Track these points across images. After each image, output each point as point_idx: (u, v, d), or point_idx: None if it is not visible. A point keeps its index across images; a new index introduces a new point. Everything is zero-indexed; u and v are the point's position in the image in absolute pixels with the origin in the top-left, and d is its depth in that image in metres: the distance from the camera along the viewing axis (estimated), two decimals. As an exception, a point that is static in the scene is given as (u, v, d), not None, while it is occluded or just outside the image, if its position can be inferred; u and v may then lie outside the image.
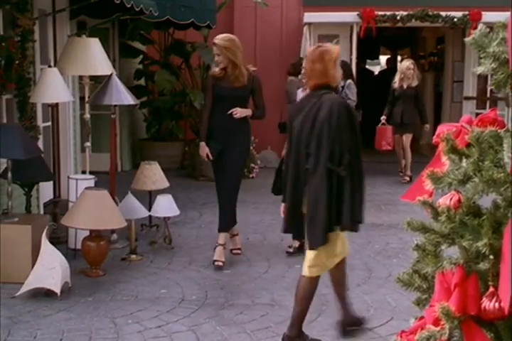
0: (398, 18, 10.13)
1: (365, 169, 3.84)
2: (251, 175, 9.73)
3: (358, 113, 9.87)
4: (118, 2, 5.72)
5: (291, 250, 5.76)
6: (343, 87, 9.85)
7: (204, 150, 5.44)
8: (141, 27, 9.24)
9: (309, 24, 10.45)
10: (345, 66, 10.07)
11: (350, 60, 10.71)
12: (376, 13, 10.15)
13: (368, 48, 13.76)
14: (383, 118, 9.48)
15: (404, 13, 10.08)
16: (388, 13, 10.17)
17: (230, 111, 5.32)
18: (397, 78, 9.41)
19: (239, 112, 5.35)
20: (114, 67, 9.30)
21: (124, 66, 9.94)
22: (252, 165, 9.83)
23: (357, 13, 10.19)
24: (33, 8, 6.29)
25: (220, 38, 5.30)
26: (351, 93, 9.85)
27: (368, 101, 11.03)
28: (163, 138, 10.33)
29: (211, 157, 5.43)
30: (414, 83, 9.30)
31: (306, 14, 10.46)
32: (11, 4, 5.75)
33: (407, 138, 9.42)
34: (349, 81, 9.77)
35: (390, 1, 10.28)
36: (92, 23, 7.89)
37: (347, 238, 4.00)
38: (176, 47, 9.62)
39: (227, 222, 5.52)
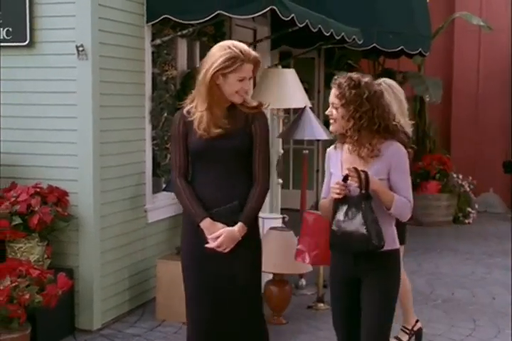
0: None
1: None
2: (467, 221, 9.32)
3: None
4: (315, 31, 5.83)
5: None
6: None
7: (213, 228, 3.30)
8: (348, 56, 9.34)
9: (543, 48, 9.86)
10: None
11: None
12: None
13: None
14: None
15: None
16: None
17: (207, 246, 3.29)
18: None
19: (218, 244, 3.28)
20: (318, 98, 9.58)
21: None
22: (469, 209, 9.41)
23: None
24: (231, 39, 6.63)
25: (248, 48, 3.36)
26: None
27: None
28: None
29: (229, 248, 3.31)
30: None
31: (539, 37, 9.90)
32: (208, 36, 6.12)
33: None
34: None
35: None
36: (298, 53, 8.13)
37: None
38: (385, 77, 9.55)
39: None
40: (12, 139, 4.97)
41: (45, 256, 4.69)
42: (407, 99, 10.19)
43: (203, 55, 6.27)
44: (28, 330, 4.20)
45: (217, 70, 3.23)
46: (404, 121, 4.55)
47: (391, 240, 3.25)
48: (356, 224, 3.14)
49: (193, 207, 3.32)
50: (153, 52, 5.46)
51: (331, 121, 3.29)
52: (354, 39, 6.88)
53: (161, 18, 5.33)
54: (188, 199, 3.34)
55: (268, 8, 5.11)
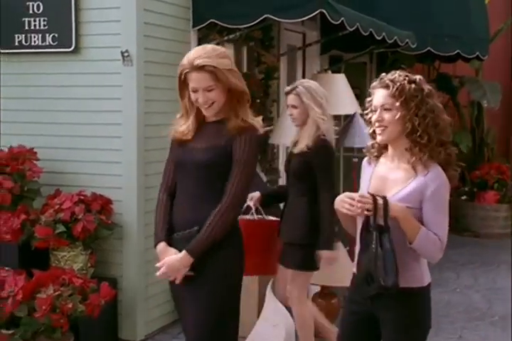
0: None
1: None
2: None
3: None
4: (366, 34, 5.79)
5: None
6: None
7: (164, 254, 3.04)
8: (401, 60, 9.24)
9: None
10: None
11: None
12: None
13: None
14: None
15: None
16: None
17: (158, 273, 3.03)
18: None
19: (160, 274, 3.01)
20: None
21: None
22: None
23: None
24: (280, 43, 6.64)
25: (202, 53, 2.91)
26: None
27: None
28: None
29: (178, 279, 2.98)
30: (303, 142, 4.23)
31: None
32: (256, 40, 6.13)
33: (292, 282, 4.33)
34: None
35: None
36: (349, 58, 8.08)
37: None
38: (440, 82, 9.40)
39: None
40: (56, 146, 5.05)
41: (89, 264, 4.74)
42: (464, 105, 10.08)
43: (250, 60, 6.36)
44: (70, 340, 4.25)
45: (178, 77, 2.99)
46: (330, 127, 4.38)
47: (418, 276, 2.77)
48: (367, 259, 2.69)
49: (157, 227, 3.09)
50: (199, 58, 5.48)
51: (379, 129, 2.77)
52: (407, 43, 6.81)
53: (208, 22, 5.35)
54: (157, 216, 3.12)
55: (317, 12, 5.09)
